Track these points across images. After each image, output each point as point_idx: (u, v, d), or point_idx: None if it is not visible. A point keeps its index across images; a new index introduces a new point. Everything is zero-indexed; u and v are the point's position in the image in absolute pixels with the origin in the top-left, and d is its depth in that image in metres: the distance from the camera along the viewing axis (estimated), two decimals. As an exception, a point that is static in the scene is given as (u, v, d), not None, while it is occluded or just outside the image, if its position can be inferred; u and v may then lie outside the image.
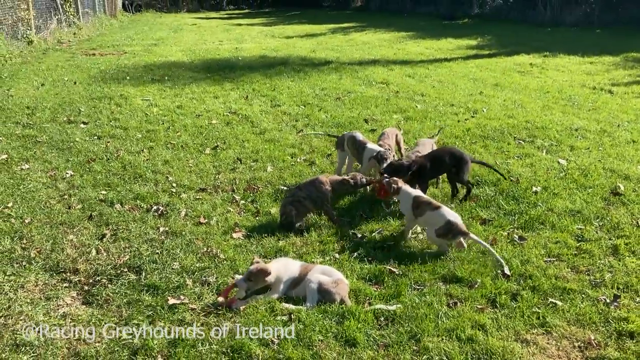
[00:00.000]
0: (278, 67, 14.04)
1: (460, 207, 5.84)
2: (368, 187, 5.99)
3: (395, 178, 5.40)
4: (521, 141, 8.04)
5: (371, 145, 6.34)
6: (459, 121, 9.12)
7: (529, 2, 25.36)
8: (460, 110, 9.85)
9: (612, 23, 22.33)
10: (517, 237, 5.23)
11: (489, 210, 5.84)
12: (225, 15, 34.43)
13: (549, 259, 4.84)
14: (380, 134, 7.21)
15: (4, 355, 3.62)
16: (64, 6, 20.33)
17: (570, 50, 16.37)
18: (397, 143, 7.03)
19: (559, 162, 7.12)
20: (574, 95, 10.91)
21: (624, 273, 4.60)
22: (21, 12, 16.40)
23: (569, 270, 4.68)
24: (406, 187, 5.30)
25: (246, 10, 39.85)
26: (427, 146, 6.64)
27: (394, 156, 6.41)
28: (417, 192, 5.31)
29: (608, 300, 4.21)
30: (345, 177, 5.70)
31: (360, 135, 6.53)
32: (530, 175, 6.69)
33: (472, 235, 4.85)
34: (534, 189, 6.25)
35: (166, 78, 12.61)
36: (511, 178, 6.55)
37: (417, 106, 10.08)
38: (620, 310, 4.11)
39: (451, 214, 4.94)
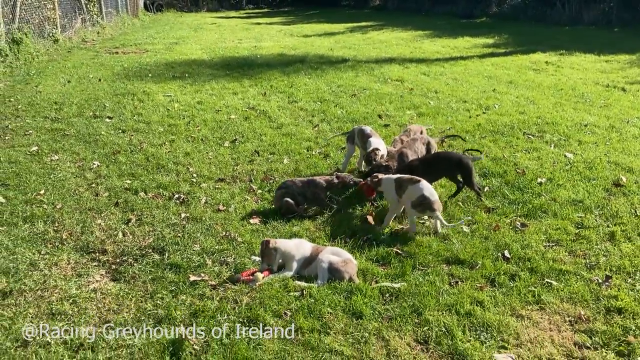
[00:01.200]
0: (296, 65, 14.37)
1: (466, 196, 6.09)
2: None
3: (375, 174, 5.68)
4: (530, 136, 8.26)
5: (374, 139, 6.63)
6: (470, 117, 9.36)
7: (547, 0, 25.36)
8: (473, 106, 10.08)
9: (631, 22, 22.30)
10: (519, 224, 5.49)
11: (494, 199, 6.09)
12: (245, 15, 34.90)
13: (548, 244, 5.10)
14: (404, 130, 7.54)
15: (42, 323, 3.98)
16: (88, 6, 20.92)
17: (587, 48, 16.48)
18: None
19: (565, 156, 7.33)
20: (586, 93, 11.07)
21: (618, 257, 4.85)
22: (47, 12, 16.95)
23: (567, 254, 4.94)
24: (386, 176, 5.60)
25: (265, 9, 40.33)
26: (413, 133, 7.05)
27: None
28: (397, 175, 5.58)
29: (600, 281, 4.47)
30: (334, 180, 5.94)
31: (368, 129, 6.82)
32: (537, 167, 6.92)
33: (437, 213, 5.17)
34: (539, 180, 6.49)
35: (187, 75, 13.03)
36: (517, 170, 6.79)
37: (430, 103, 10.34)
38: (610, 289, 4.36)
39: (427, 190, 5.24)
